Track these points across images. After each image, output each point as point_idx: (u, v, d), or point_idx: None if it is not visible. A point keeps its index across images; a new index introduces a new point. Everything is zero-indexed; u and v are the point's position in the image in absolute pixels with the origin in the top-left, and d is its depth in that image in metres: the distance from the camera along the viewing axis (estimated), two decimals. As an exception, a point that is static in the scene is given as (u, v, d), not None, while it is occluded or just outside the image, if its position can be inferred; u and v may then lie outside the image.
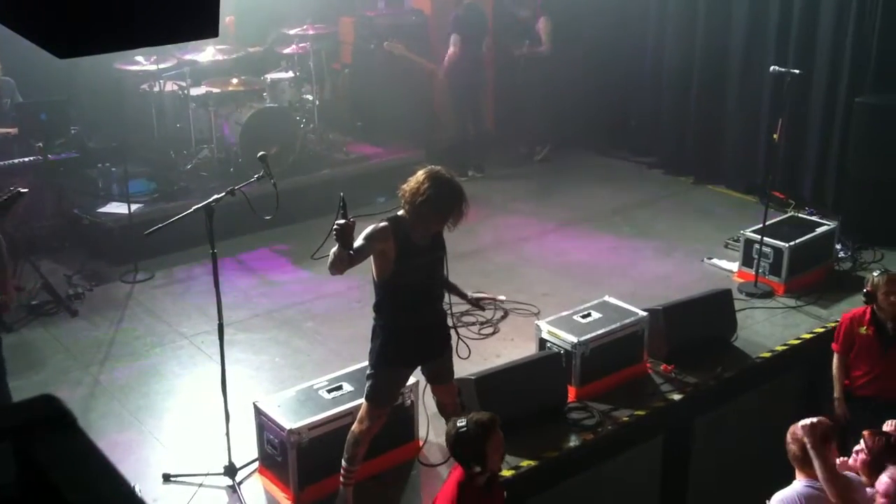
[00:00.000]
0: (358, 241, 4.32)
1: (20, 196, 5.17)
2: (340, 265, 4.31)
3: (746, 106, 9.27)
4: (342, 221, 4.25)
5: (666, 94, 10.05)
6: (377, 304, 4.59)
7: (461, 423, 4.10)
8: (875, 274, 5.66)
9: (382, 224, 4.42)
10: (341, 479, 4.78)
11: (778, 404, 6.24)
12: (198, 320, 6.74)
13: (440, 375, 4.82)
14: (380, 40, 9.80)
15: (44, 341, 6.49)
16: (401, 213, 4.48)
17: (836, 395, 5.69)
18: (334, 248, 4.31)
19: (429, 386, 4.97)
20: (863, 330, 5.60)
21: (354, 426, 4.71)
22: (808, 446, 4.10)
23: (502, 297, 5.65)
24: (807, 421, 4.21)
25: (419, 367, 4.83)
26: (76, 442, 1.12)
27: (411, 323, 4.58)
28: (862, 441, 4.34)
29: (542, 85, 9.98)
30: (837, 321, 6.02)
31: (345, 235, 4.23)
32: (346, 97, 10.24)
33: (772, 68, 7.43)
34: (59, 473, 1.04)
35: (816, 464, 4.07)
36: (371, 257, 4.44)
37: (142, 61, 8.39)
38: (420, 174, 4.41)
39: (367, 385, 4.66)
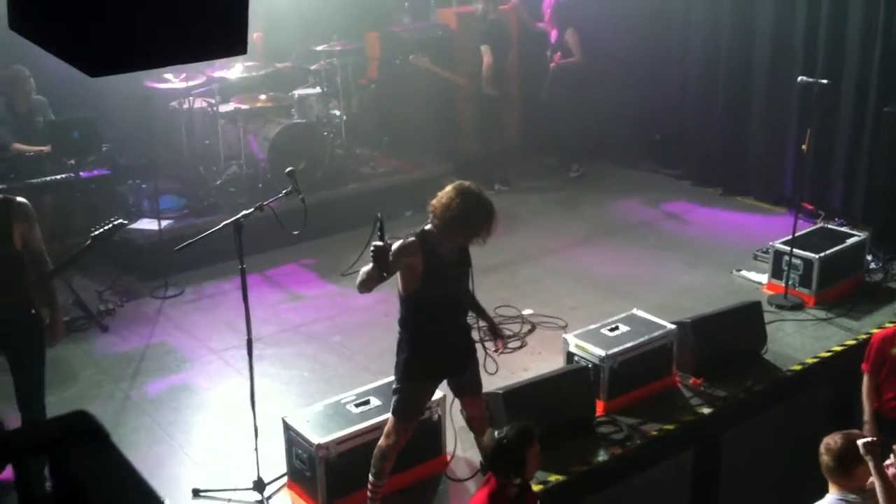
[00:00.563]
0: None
1: (121, 226, 5.24)
2: (370, 284, 4.36)
3: (773, 117, 9.21)
4: (379, 243, 4.28)
5: (692, 105, 10.00)
6: (403, 318, 4.60)
7: (501, 432, 4.12)
8: None
9: (410, 239, 4.45)
10: (369, 493, 4.79)
11: (808, 417, 6.17)
12: (227, 335, 6.79)
13: (468, 389, 4.82)
14: (405, 55, 9.85)
15: (75, 357, 6.56)
16: (428, 227, 4.50)
17: (865, 417, 5.44)
18: (366, 268, 4.34)
19: (456, 400, 4.97)
20: (894, 351, 5.38)
21: (381, 441, 4.72)
22: (868, 461, 4.08)
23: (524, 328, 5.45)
24: (851, 435, 4.19)
25: (446, 382, 4.83)
26: (109, 456, 1.14)
27: (436, 337, 4.60)
28: (893, 455, 4.29)
29: (572, 97, 9.97)
30: (869, 334, 5.94)
31: (382, 257, 4.27)
32: (372, 112, 10.29)
33: (799, 78, 7.38)
34: (93, 486, 1.07)
35: (875, 477, 4.05)
36: (398, 272, 4.46)
37: (171, 79, 8.49)
38: (450, 189, 4.45)
39: (393, 400, 4.67)
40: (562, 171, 10.40)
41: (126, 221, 5.52)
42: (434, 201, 4.46)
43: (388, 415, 4.75)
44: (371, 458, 4.75)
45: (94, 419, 1.17)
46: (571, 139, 10.28)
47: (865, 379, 5.50)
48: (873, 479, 4.11)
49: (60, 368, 6.34)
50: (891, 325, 5.61)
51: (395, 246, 4.40)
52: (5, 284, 4.80)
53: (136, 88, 8.48)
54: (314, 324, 7.06)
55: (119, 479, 1.11)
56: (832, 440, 4.22)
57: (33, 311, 4.95)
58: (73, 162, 7.36)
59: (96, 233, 5.11)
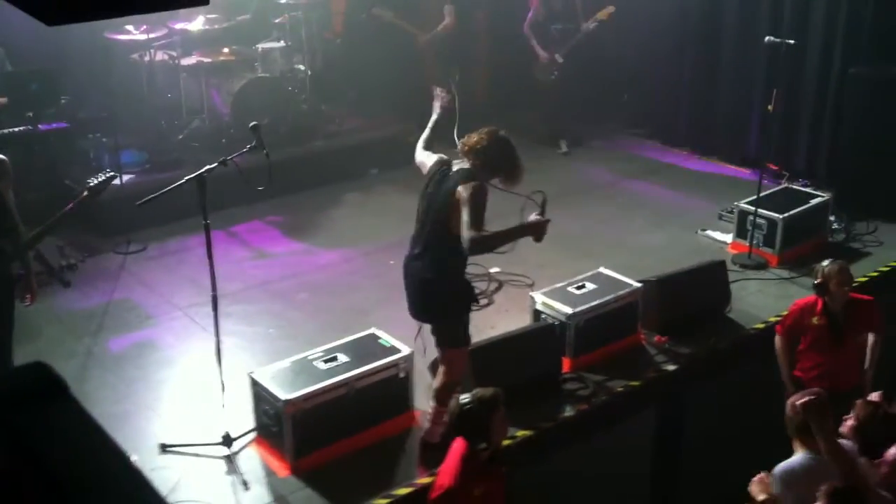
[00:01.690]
0: (477, 210, 4.56)
1: (113, 178, 5.24)
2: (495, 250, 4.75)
3: (740, 77, 9.23)
4: (542, 218, 4.72)
5: (659, 65, 9.99)
6: (444, 258, 4.78)
7: (465, 399, 4.11)
8: (825, 264, 5.40)
9: (481, 183, 4.65)
10: (430, 419, 5.00)
11: (771, 375, 6.26)
12: (191, 292, 6.71)
13: None
14: (370, 9, 9.70)
15: (37, 312, 6.41)
16: (465, 166, 4.75)
17: (784, 378, 5.50)
18: (504, 237, 4.71)
19: (424, 357, 4.98)
20: (815, 320, 5.40)
21: (443, 378, 4.93)
22: (813, 425, 4.11)
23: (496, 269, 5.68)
24: (804, 397, 4.22)
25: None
26: (68, 411, 1.08)
27: (465, 271, 5.00)
28: (852, 410, 4.36)
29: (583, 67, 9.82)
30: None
31: (543, 231, 4.72)
32: (338, 67, 10.15)
33: (767, 39, 7.40)
34: (50, 445, 1.01)
35: (820, 439, 4.08)
36: (448, 212, 4.65)
37: (132, 30, 8.29)
38: (485, 132, 4.79)
39: (444, 336, 4.91)
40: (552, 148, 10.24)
41: (116, 174, 5.41)
42: (467, 141, 4.79)
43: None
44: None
45: (51, 370, 1.10)
46: (559, 115, 10.00)
47: (779, 341, 5.59)
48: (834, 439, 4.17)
49: (22, 324, 6.18)
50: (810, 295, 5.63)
51: (479, 196, 4.59)
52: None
53: (95, 40, 8.28)
54: (280, 281, 7.01)
55: (80, 436, 1.06)
56: (800, 398, 4.26)
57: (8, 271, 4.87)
58: (31, 115, 7.19)
59: (93, 184, 5.01)
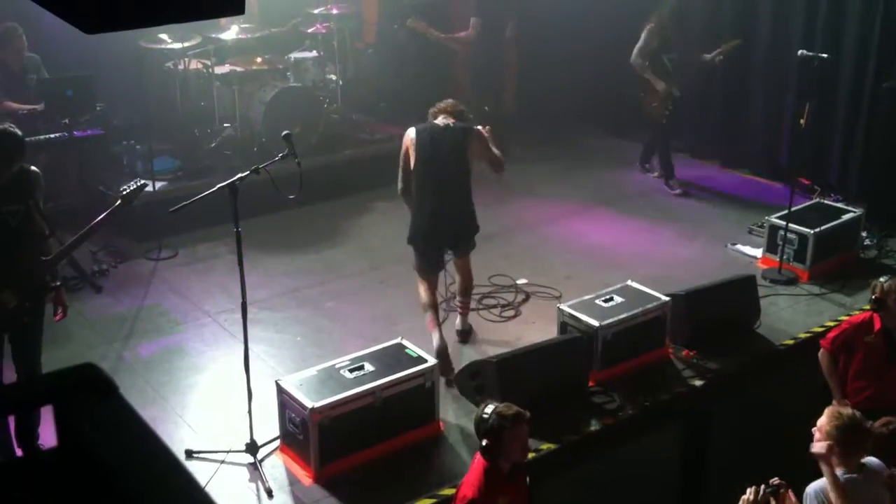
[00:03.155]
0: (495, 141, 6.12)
1: (144, 187, 5.28)
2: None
3: (772, 91, 9.17)
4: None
5: (691, 78, 9.94)
6: (469, 190, 6.02)
7: (487, 410, 4.10)
8: (883, 280, 5.24)
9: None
10: (461, 312, 6.27)
11: (800, 391, 6.20)
12: (221, 298, 6.77)
13: None
14: (403, 20, 9.75)
15: (69, 316, 6.50)
16: (450, 122, 6.04)
17: (835, 396, 5.25)
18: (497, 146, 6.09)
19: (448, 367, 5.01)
20: (869, 339, 5.22)
21: (469, 278, 6.21)
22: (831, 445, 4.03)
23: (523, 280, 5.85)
24: (833, 415, 4.12)
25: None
26: (119, 410, 1.12)
27: None
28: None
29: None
30: (861, 309, 5.91)
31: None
32: (369, 77, 10.20)
33: (799, 52, 7.36)
34: (101, 438, 1.05)
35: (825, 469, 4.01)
36: (467, 155, 5.97)
37: (167, 39, 8.39)
38: (448, 102, 6.25)
39: (471, 246, 6.15)
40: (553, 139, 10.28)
41: (147, 183, 5.46)
42: (448, 108, 6.11)
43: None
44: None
45: (102, 371, 1.15)
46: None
47: (825, 356, 5.37)
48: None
49: (54, 329, 6.28)
50: (862, 312, 5.44)
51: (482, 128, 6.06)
52: (34, 256, 4.80)
53: (130, 48, 8.39)
54: (308, 289, 7.04)
55: (128, 432, 1.10)
56: (837, 411, 4.11)
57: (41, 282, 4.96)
58: (66, 121, 7.29)
59: (127, 192, 5.07)
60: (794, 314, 6.72)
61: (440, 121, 6.02)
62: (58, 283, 5.07)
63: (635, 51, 8.83)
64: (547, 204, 8.77)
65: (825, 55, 7.17)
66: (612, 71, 10.13)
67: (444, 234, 6.05)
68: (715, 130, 9.81)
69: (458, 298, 6.33)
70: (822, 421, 4.12)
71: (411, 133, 5.96)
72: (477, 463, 4.15)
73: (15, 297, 4.78)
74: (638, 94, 9.11)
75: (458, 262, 6.19)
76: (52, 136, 7.39)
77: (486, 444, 4.09)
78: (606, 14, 10.10)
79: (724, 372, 5.97)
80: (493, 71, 9.79)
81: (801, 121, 7.37)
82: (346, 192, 8.73)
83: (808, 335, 6.44)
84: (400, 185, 6.06)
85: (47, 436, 4.90)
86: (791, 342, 6.35)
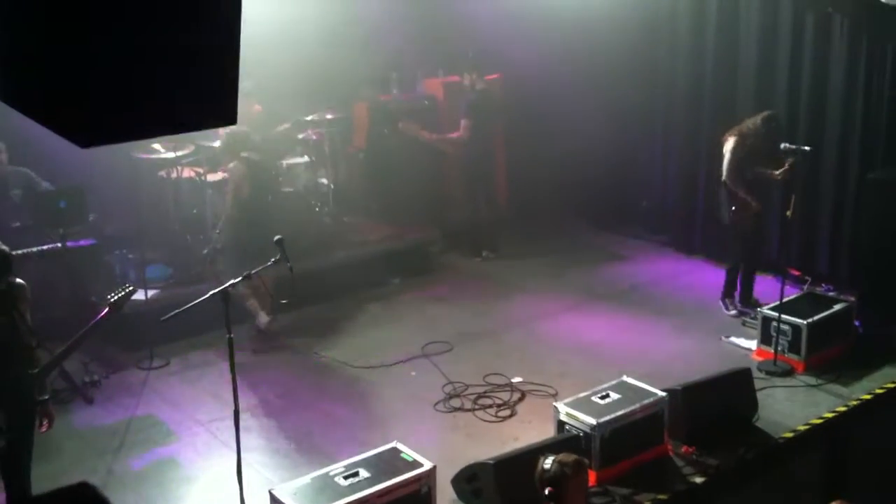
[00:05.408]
0: None
1: (133, 293, 5.28)
2: None
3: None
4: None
5: (674, 173, 10.09)
6: None
7: (547, 461, 4.07)
8: None
9: None
10: None
11: (801, 484, 6.11)
12: (212, 406, 6.69)
13: None
14: (394, 124, 9.94)
15: (59, 428, 6.37)
16: None
17: None
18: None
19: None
20: None
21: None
22: None
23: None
24: None
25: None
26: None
27: None
28: None
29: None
30: (860, 400, 5.84)
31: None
32: (360, 180, 10.34)
33: (782, 145, 7.47)
34: None
35: None
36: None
37: (160, 150, 8.51)
38: None
39: None
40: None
41: (136, 288, 5.45)
42: None
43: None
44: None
45: (96, 491, 1.13)
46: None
47: None
48: None
49: (43, 441, 6.18)
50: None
51: None
52: (19, 368, 4.76)
53: (123, 158, 8.50)
54: (301, 393, 6.98)
55: None
56: None
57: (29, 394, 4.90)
58: (61, 231, 7.33)
59: (115, 299, 5.06)
60: (791, 406, 6.66)
61: None
62: (45, 398, 5.00)
63: (727, 170, 8.02)
64: (539, 301, 8.78)
65: (807, 147, 7.30)
66: (598, 165, 10.31)
67: None
68: (701, 224, 9.87)
69: None
70: None
71: None
72: None
73: (2, 416, 4.72)
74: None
75: None
76: (44, 247, 7.42)
77: (550, 493, 4.05)
78: (591, 110, 10.32)
79: (725, 468, 5.87)
80: (483, 171, 9.94)
81: (788, 212, 7.46)
82: (338, 293, 8.74)
83: (806, 427, 6.37)
84: None
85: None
86: (790, 435, 6.28)
